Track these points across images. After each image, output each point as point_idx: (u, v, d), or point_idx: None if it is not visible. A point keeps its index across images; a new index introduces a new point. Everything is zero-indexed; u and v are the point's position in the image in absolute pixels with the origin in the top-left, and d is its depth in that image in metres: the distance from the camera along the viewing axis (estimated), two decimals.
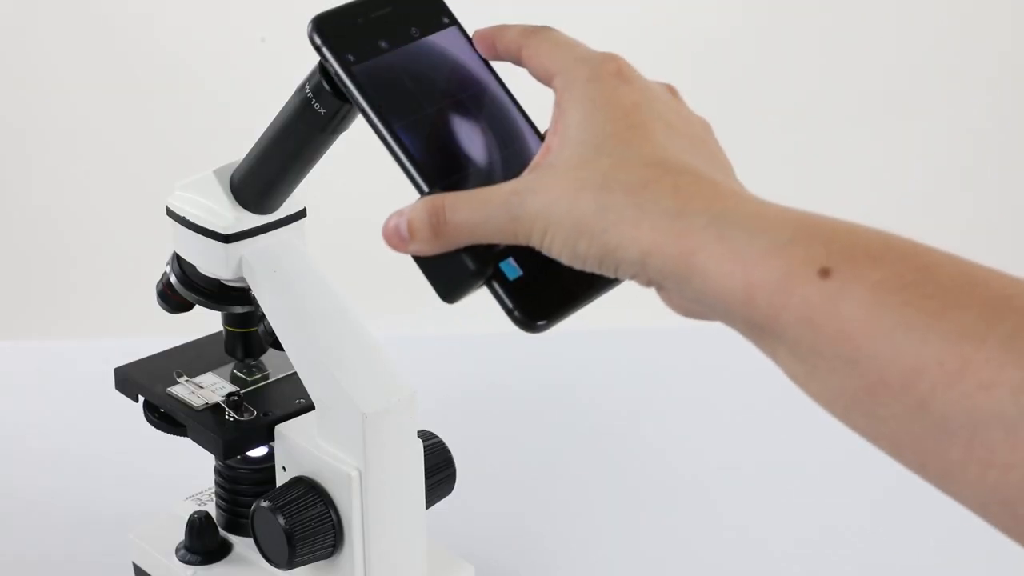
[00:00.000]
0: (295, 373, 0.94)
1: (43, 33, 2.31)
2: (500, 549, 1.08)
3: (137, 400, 0.99)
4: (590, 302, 0.68)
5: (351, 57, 0.69)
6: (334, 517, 0.89)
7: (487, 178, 0.68)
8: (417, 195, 0.67)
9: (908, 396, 0.52)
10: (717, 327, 0.61)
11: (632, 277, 0.60)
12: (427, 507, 0.93)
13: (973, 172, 2.30)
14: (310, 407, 0.93)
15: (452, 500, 0.98)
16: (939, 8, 2.28)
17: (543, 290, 0.65)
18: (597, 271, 0.61)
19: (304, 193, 0.92)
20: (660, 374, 1.33)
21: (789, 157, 2.33)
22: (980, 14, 2.28)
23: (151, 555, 1.00)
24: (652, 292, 0.65)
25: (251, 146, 0.89)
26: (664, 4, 2.24)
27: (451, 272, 0.66)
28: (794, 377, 0.57)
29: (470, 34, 0.72)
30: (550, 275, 0.64)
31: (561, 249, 0.61)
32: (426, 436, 0.94)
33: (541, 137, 0.71)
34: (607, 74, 0.64)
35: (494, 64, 0.72)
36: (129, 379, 0.99)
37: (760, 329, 0.57)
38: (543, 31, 0.68)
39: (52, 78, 2.30)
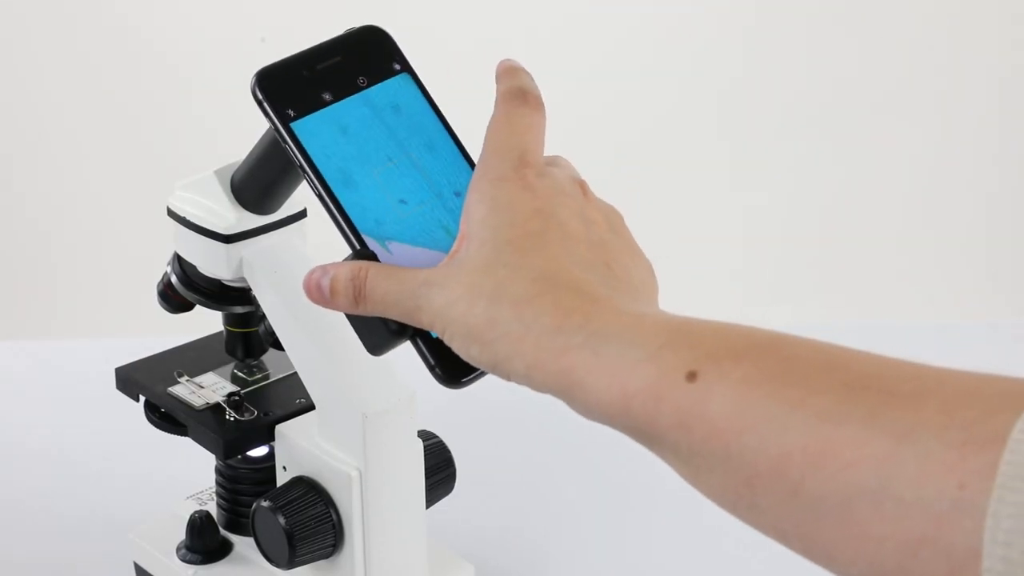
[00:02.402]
0: (295, 373, 0.94)
1: (44, 33, 2.31)
2: (500, 549, 1.08)
3: (138, 400, 0.99)
4: None
5: (291, 112, 0.67)
6: (334, 517, 0.89)
7: (423, 240, 0.67)
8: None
9: (781, 484, 0.53)
10: None
11: (524, 385, 0.61)
12: (427, 507, 0.93)
13: (973, 171, 2.30)
14: (310, 407, 0.93)
15: (452, 500, 0.98)
16: (940, 8, 2.28)
17: None
18: (492, 374, 0.62)
19: (305, 193, 0.92)
20: None
21: (789, 157, 2.33)
22: (980, 14, 2.27)
23: (152, 555, 1.00)
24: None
25: (251, 146, 0.89)
26: (671, 4, 2.24)
27: (375, 330, 0.66)
28: (684, 478, 0.59)
29: (423, 79, 0.70)
30: None
31: (459, 349, 0.62)
32: (426, 436, 0.95)
33: None
34: (514, 176, 0.64)
35: (445, 112, 0.70)
36: (130, 379, 0.99)
37: (643, 435, 0.58)
38: (506, 103, 0.67)
39: (53, 78, 2.31)
